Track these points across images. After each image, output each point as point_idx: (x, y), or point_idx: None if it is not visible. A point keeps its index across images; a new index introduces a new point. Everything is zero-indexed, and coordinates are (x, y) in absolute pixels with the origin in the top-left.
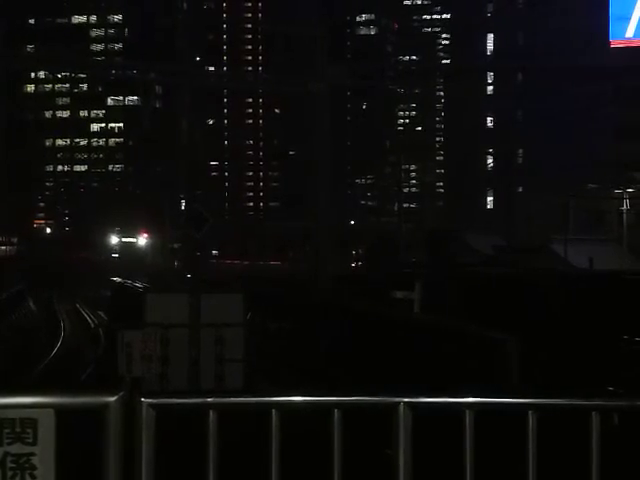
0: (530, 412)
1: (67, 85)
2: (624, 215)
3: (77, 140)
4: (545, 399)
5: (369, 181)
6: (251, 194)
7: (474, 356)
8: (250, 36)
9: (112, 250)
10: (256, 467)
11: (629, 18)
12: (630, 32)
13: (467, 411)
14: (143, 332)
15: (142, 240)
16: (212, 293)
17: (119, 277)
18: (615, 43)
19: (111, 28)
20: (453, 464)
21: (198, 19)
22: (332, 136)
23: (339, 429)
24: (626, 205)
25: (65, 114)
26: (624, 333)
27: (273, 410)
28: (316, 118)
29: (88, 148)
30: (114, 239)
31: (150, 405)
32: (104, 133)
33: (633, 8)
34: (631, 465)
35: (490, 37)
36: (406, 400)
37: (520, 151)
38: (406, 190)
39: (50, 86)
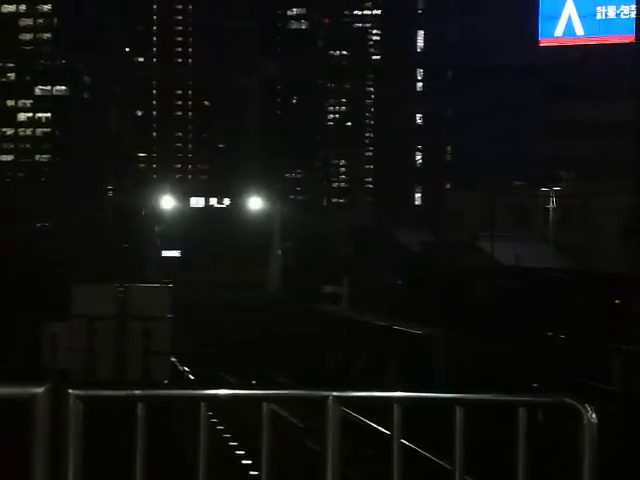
0: (457, 407)
1: None
2: (550, 213)
3: (4, 130)
4: (472, 394)
5: (299, 175)
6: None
7: (403, 350)
8: (180, 28)
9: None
10: (183, 458)
11: (558, 17)
12: (559, 31)
13: (395, 405)
14: (68, 324)
15: None
16: (139, 285)
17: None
18: (544, 42)
19: (40, 17)
20: (383, 457)
21: (128, 10)
22: (262, 130)
23: (268, 422)
24: (552, 203)
25: None
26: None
27: (202, 403)
28: (246, 111)
29: (14, 138)
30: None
31: (78, 397)
32: (31, 123)
33: (562, 7)
34: (554, 456)
35: (420, 34)
36: (335, 394)
37: (448, 148)
38: (335, 185)
39: None
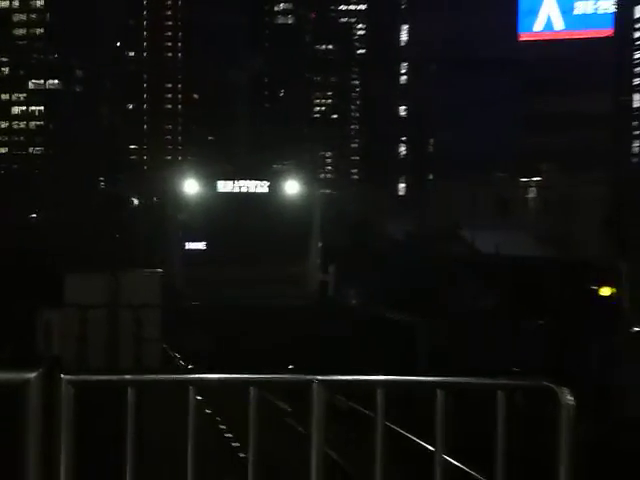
0: (438, 390)
1: None
2: (530, 203)
3: None
4: (453, 378)
5: (285, 167)
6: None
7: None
8: (170, 23)
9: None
10: (173, 441)
11: (537, 12)
12: (539, 26)
13: (378, 389)
14: (61, 312)
15: None
16: (130, 273)
17: None
18: (524, 36)
19: (33, 13)
20: (366, 439)
21: (119, 5)
22: (250, 122)
23: (255, 405)
24: (533, 194)
25: None
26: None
27: (190, 387)
28: (235, 104)
29: (8, 131)
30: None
31: (69, 382)
32: (25, 116)
33: (542, 3)
34: (532, 437)
35: (405, 28)
36: (319, 378)
37: (431, 140)
38: (322, 176)
39: None
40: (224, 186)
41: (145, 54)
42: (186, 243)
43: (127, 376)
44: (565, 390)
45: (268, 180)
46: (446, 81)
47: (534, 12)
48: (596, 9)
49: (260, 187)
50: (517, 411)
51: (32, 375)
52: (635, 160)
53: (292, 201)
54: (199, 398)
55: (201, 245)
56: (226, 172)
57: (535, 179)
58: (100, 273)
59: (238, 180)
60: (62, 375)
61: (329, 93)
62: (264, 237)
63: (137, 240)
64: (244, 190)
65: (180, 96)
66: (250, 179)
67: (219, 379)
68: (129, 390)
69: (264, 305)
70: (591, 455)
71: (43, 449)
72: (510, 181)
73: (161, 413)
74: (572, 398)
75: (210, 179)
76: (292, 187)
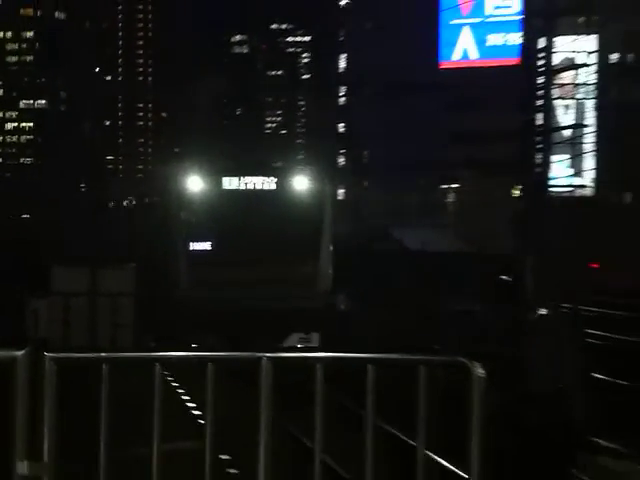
0: (369, 365)
1: None
2: (450, 206)
3: None
4: (381, 354)
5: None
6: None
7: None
8: (142, 52)
9: None
10: (143, 413)
11: (455, 44)
12: (457, 55)
13: (317, 365)
14: (48, 300)
15: None
16: (107, 266)
17: None
18: (444, 64)
19: (24, 42)
20: (308, 412)
21: (98, 36)
22: (211, 137)
23: (212, 379)
24: (452, 198)
25: None
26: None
27: (156, 363)
28: (197, 121)
29: (2, 144)
30: None
31: (52, 359)
32: (17, 131)
33: (459, 35)
34: (451, 406)
35: (343, 57)
36: (268, 355)
37: (365, 152)
38: None
39: None
40: (229, 183)
41: (120, 78)
42: (191, 243)
43: (102, 354)
44: (476, 364)
45: (275, 176)
46: (380, 102)
47: (452, 43)
48: (506, 41)
49: (267, 184)
50: (439, 385)
51: (20, 353)
52: (538, 169)
53: (301, 198)
54: (167, 375)
55: (206, 245)
56: (230, 168)
57: (454, 185)
58: (82, 266)
59: (244, 177)
60: (46, 353)
61: (279, 112)
62: (272, 236)
63: (136, 239)
64: (250, 187)
65: (150, 114)
66: (256, 175)
67: (180, 356)
68: (103, 366)
69: (270, 307)
70: (499, 422)
71: (29, 417)
72: (434, 187)
73: (134, 387)
74: (483, 371)
75: (215, 176)
76: (301, 183)
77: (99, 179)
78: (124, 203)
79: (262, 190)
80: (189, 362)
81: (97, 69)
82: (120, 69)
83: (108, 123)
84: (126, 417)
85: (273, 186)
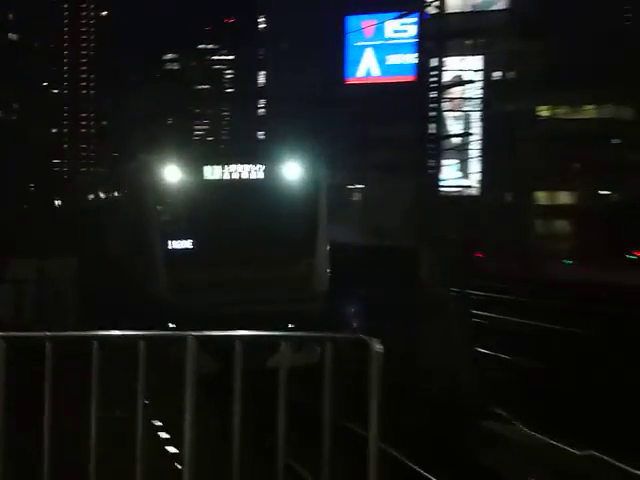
0: (283, 342)
1: None
2: (356, 204)
3: None
4: (294, 332)
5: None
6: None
7: None
8: (85, 68)
9: None
10: (82, 388)
11: (360, 62)
12: (361, 72)
13: (237, 341)
14: (2, 287)
15: None
16: (52, 258)
17: None
18: (350, 80)
19: None
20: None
21: (48, 53)
22: (145, 143)
23: (144, 356)
24: (357, 197)
25: None
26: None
27: (94, 342)
28: (134, 129)
29: None
30: None
31: (1, 337)
32: None
33: (362, 55)
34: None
35: (262, 73)
36: (193, 334)
37: None
38: None
39: None
40: (212, 172)
41: (65, 91)
42: (169, 242)
43: (48, 333)
44: (375, 341)
45: (263, 164)
46: (298, 115)
47: (357, 62)
48: (403, 61)
49: (255, 172)
50: (344, 360)
51: None
52: (431, 172)
53: (293, 188)
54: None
55: (187, 243)
56: (212, 156)
57: (360, 186)
58: (30, 258)
59: (228, 165)
60: None
61: (205, 121)
62: (260, 231)
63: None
64: (236, 177)
65: (92, 122)
66: (242, 163)
67: (116, 335)
68: (47, 344)
69: (262, 311)
70: (397, 394)
71: None
72: (342, 187)
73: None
74: (381, 347)
75: (196, 165)
76: (292, 171)
77: (47, 180)
78: (56, 203)
79: (249, 179)
80: (125, 340)
81: (45, 83)
82: (65, 83)
83: (54, 130)
84: (71, 390)
85: (261, 175)
